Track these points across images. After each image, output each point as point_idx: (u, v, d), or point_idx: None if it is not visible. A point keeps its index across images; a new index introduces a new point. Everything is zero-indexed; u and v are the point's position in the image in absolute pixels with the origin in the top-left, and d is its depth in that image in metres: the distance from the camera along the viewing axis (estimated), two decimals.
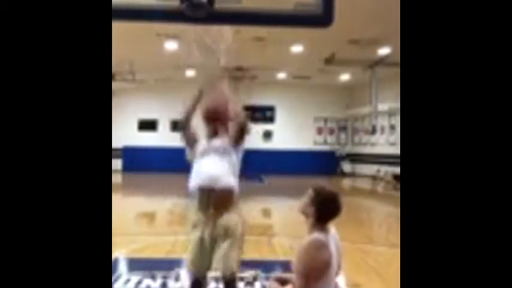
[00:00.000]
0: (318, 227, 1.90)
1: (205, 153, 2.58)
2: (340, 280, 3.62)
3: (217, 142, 2.61)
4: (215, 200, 2.49)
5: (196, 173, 2.54)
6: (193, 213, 2.61)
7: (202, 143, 2.66)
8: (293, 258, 1.95)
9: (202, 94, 2.75)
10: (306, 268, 1.81)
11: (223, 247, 2.45)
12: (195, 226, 2.56)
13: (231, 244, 2.45)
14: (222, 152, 2.56)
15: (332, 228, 2.01)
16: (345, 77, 14.85)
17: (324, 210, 1.89)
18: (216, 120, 2.64)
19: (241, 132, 2.63)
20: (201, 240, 2.49)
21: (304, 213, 1.96)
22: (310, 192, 1.95)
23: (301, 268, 1.83)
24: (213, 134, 2.66)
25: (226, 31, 2.71)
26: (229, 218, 2.50)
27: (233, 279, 2.47)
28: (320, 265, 1.80)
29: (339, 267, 2.07)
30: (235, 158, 2.64)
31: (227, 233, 2.47)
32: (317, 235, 1.87)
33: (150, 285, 3.34)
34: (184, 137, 2.71)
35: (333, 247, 1.90)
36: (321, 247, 1.83)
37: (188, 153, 2.71)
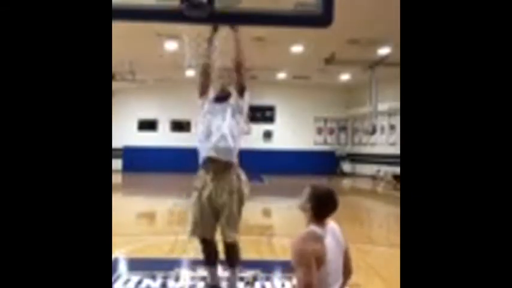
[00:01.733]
0: (315, 221, 2.00)
1: (213, 115, 2.89)
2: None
3: (224, 104, 2.94)
4: (219, 167, 2.81)
5: (204, 140, 2.84)
6: (199, 176, 2.92)
7: (211, 102, 2.98)
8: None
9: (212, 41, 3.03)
10: (297, 257, 1.88)
11: (224, 215, 2.80)
12: (196, 189, 2.88)
13: (230, 213, 2.80)
14: (228, 113, 2.89)
15: (332, 223, 2.08)
16: (345, 77, 14.84)
17: (321, 205, 1.99)
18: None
19: (241, 86, 2.94)
20: (201, 202, 2.83)
21: (302, 209, 2.06)
22: (307, 190, 2.06)
23: (295, 258, 1.90)
24: (221, 93, 2.99)
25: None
26: (230, 182, 2.83)
27: (234, 244, 2.88)
28: (310, 255, 1.85)
29: (348, 268, 2.11)
30: (241, 118, 2.96)
31: (227, 197, 2.80)
32: (313, 227, 1.97)
33: (150, 285, 3.34)
34: (202, 81, 3.04)
35: (330, 241, 1.96)
36: (313, 238, 1.91)
37: (198, 98, 3.04)
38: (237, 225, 2.86)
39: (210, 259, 2.98)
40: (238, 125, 2.91)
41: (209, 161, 2.84)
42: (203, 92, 3.03)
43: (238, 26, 2.85)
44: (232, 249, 2.91)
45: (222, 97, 2.99)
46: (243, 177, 2.94)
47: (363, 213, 8.48)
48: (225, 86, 3.01)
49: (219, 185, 2.82)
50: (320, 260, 1.87)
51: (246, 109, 3.00)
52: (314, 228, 1.97)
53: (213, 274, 3.03)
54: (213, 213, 2.85)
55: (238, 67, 2.92)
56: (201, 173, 2.91)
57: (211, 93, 3.03)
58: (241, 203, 2.88)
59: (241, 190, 2.88)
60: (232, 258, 2.96)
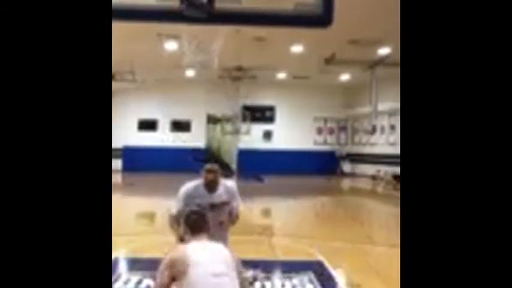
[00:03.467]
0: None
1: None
2: (340, 280, 3.62)
3: (214, 196, 2.92)
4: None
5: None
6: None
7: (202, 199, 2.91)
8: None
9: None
10: (162, 266, 2.11)
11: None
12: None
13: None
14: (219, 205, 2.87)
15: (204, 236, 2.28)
16: (345, 77, 14.85)
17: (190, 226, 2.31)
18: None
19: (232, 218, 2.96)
20: None
21: (180, 238, 2.47)
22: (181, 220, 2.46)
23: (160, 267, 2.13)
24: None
25: None
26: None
27: None
28: (169, 264, 2.08)
29: None
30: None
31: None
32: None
33: (150, 285, 3.34)
34: (175, 227, 3.02)
35: (196, 251, 2.13)
36: (178, 249, 2.22)
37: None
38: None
39: None
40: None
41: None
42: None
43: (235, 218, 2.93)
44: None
45: (210, 188, 2.93)
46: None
47: (363, 213, 8.48)
48: (209, 178, 2.93)
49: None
50: (183, 265, 2.05)
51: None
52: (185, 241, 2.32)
53: None
54: None
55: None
56: None
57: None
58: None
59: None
60: None
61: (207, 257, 2.08)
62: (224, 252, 2.16)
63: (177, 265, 2.04)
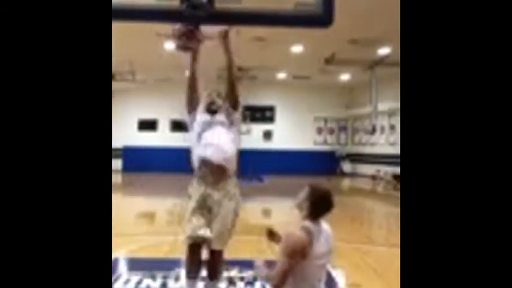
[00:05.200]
0: (309, 219, 2.08)
1: (209, 125, 2.76)
2: (340, 280, 3.62)
3: (220, 116, 2.81)
4: (216, 172, 2.69)
5: (204, 145, 2.71)
6: (193, 185, 2.78)
7: (203, 116, 2.83)
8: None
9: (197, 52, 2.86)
10: (283, 246, 1.98)
11: (218, 221, 2.67)
12: (190, 197, 2.74)
13: (224, 220, 2.67)
14: (226, 125, 2.78)
15: (325, 224, 2.14)
16: (345, 77, 14.84)
17: (317, 205, 2.08)
18: (190, 39, 2.63)
19: (232, 85, 2.83)
20: (197, 207, 2.67)
21: (299, 207, 2.14)
22: (306, 189, 2.15)
23: (282, 246, 2.00)
24: (211, 106, 2.85)
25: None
26: (228, 190, 2.72)
27: (219, 253, 2.75)
28: (295, 246, 1.95)
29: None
30: (235, 131, 2.85)
31: (225, 201, 2.68)
32: (307, 223, 2.05)
33: (150, 285, 3.34)
34: (189, 95, 2.88)
35: (320, 239, 2.04)
36: (303, 232, 2.00)
37: (186, 115, 2.89)
38: (228, 236, 2.71)
39: (192, 270, 2.72)
40: (234, 141, 2.78)
41: (205, 171, 2.71)
42: (192, 107, 2.88)
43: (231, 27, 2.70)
44: (217, 259, 2.75)
45: (212, 110, 2.84)
46: (238, 193, 2.82)
47: (363, 213, 8.47)
48: (215, 98, 2.88)
49: (216, 190, 2.70)
50: (305, 252, 1.95)
51: (239, 123, 2.89)
52: (307, 223, 2.05)
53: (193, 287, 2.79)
54: (207, 211, 2.69)
55: (230, 69, 2.80)
56: (196, 183, 2.77)
57: (201, 108, 2.88)
58: (236, 214, 2.75)
59: (238, 200, 2.77)
60: (215, 269, 2.79)
61: (321, 254, 2.05)
62: None
63: None
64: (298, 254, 1.94)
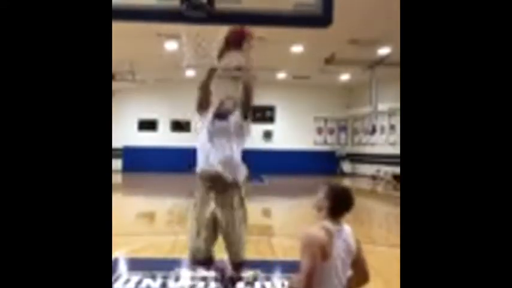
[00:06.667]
0: (329, 219, 2.00)
1: (214, 134, 2.71)
2: None
3: (226, 122, 2.75)
4: (219, 186, 2.66)
5: (205, 158, 2.69)
6: (197, 191, 2.77)
7: (211, 119, 2.78)
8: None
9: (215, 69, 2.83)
10: (304, 246, 1.91)
11: (230, 235, 2.66)
12: (196, 205, 2.74)
13: (235, 232, 2.66)
14: (231, 133, 2.72)
15: (346, 226, 2.07)
16: (345, 77, 14.84)
17: (337, 203, 2.00)
18: (239, 41, 2.60)
19: (247, 93, 2.72)
20: (203, 228, 2.67)
21: (318, 207, 2.06)
22: (324, 188, 2.06)
23: (302, 247, 1.93)
24: (221, 109, 2.80)
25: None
26: (232, 202, 2.68)
27: (241, 263, 2.78)
28: (316, 245, 1.88)
29: (364, 272, 2.16)
30: (243, 139, 2.79)
31: (231, 223, 2.65)
32: (326, 223, 1.98)
33: (150, 285, 3.34)
34: (201, 96, 2.84)
35: (340, 240, 1.98)
36: (323, 231, 1.93)
37: (196, 117, 2.89)
38: (243, 245, 2.73)
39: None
40: (238, 149, 2.76)
41: (211, 178, 2.69)
42: (203, 107, 2.86)
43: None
44: (237, 267, 2.83)
45: (222, 114, 2.79)
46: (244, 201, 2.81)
47: (363, 213, 8.47)
48: (227, 105, 2.83)
49: (222, 201, 2.68)
50: (325, 252, 1.90)
51: (248, 132, 2.82)
52: (327, 223, 1.98)
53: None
54: (213, 228, 2.70)
55: (247, 92, 2.74)
56: (201, 189, 2.75)
57: (211, 109, 2.86)
58: (245, 221, 2.74)
59: (245, 209, 2.76)
60: (237, 270, 2.88)
61: (342, 255, 2.02)
62: None
63: None
64: (319, 254, 1.89)
